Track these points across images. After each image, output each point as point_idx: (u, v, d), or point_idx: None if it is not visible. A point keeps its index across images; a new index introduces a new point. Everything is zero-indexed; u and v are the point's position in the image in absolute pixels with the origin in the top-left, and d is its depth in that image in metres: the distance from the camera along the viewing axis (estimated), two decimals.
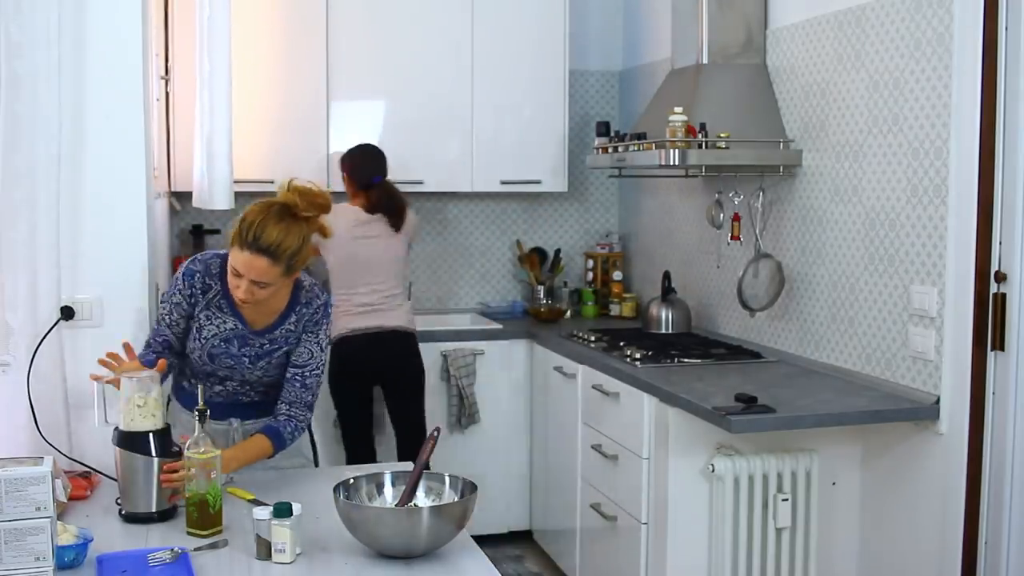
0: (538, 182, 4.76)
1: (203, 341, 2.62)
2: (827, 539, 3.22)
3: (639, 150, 3.79)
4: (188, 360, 2.70)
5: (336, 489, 2.17)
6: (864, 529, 3.25)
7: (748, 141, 3.62)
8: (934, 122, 2.94)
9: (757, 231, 3.72)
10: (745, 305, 3.70)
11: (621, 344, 3.89)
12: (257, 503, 2.37)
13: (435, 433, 2.29)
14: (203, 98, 3.43)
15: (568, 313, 4.89)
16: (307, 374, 2.63)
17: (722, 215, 3.88)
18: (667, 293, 4.29)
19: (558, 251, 5.08)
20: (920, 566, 3.01)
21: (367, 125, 4.57)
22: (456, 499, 2.22)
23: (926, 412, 2.95)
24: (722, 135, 3.57)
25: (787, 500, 3.11)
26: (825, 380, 3.33)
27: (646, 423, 3.31)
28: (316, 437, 2.94)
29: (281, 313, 2.63)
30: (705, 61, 3.79)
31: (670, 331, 4.21)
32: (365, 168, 4.13)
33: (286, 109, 4.45)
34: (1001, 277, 2.80)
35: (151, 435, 2.35)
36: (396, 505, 2.22)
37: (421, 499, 2.24)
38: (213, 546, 2.18)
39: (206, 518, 2.23)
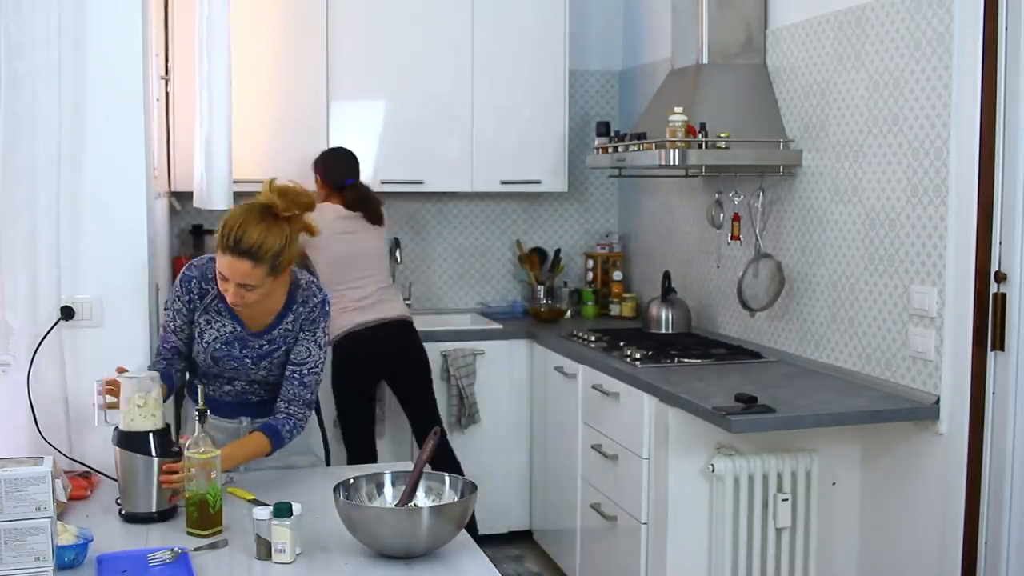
0: (538, 182, 4.76)
1: (205, 345, 2.63)
2: (827, 539, 3.22)
3: (639, 150, 3.79)
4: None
5: (336, 489, 2.17)
6: (864, 529, 3.25)
7: (748, 141, 3.62)
8: (934, 122, 2.94)
9: (757, 231, 3.72)
10: (745, 305, 3.70)
11: (621, 344, 3.89)
12: (257, 503, 2.37)
13: (436, 433, 2.29)
14: (202, 98, 3.43)
15: (568, 313, 4.89)
16: (305, 372, 2.64)
17: (722, 215, 3.88)
18: (667, 293, 4.29)
19: (558, 251, 5.08)
20: (920, 566, 3.01)
21: (367, 125, 4.57)
22: (456, 499, 2.22)
23: (926, 412, 2.95)
24: (722, 135, 3.57)
25: (787, 500, 3.11)
26: (825, 380, 3.33)
27: (646, 423, 3.31)
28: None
29: (278, 313, 2.63)
30: (705, 61, 3.78)
31: (670, 331, 4.21)
32: (338, 170, 4.16)
33: (286, 109, 4.45)
34: (1001, 277, 2.80)
35: (151, 435, 2.36)
36: (396, 505, 2.22)
37: (421, 499, 2.24)
38: (213, 546, 2.18)
39: (206, 518, 2.23)
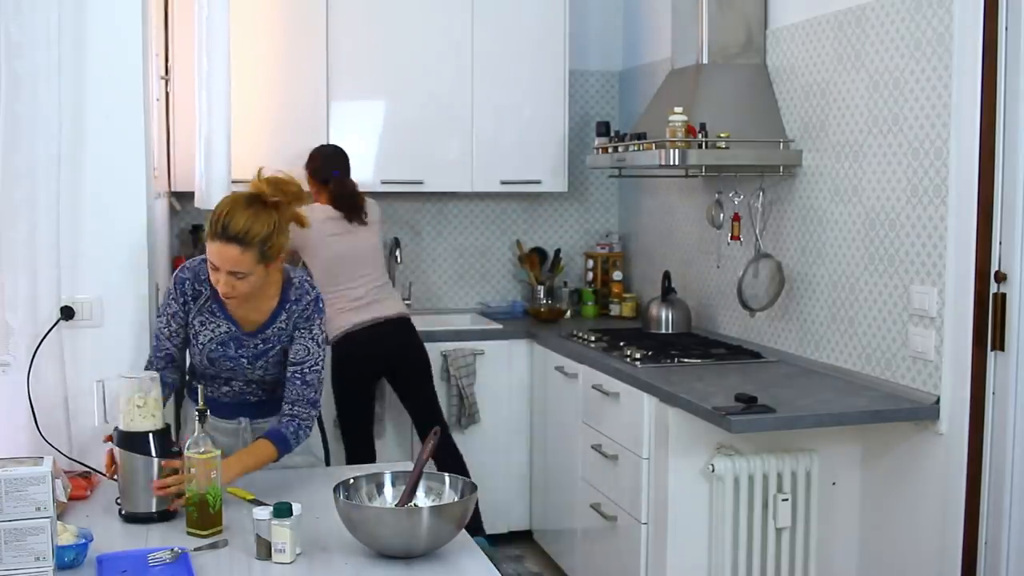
0: (538, 182, 4.76)
1: (201, 346, 2.64)
2: (827, 539, 3.22)
3: (639, 150, 3.79)
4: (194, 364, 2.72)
5: (336, 489, 2.17)
6: (864, 529, 3.25)
7: (748, 141, 3.62)
8: (934, 122, 2.94)
9: (757, 231, 3.72)
10: (745, 305, 3.70)
11: (621, 344, 3.89)
12: (257, 503, 2.37)
13: (436, 433, 2.29)
14: (202, 98, 3.44)
15: (568, 313, 4.89)
16: (306, 371, 2.63)
17: (722, 215, 3.88)
18: (667, 293, 4.29)
19: (558, 251, 5.09)
20: (920, 566, 3.01)
21: (367, 125, 4.57)
22: (456, 499, 2.22)
23: (926, 412, 2.95)
24: (722, 135, 3.57)
25: (787, 500, 3.11)
26: (825, 380, 3.33)
27: (646, 423, 3.31)
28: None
29: (272, 312, 2.63)
30: (705, 61, 3.79)
31: (670, 331, 4.20)
32: (325, 165, 4.16)
33: (286, 109, 4.45)
34: (1001, 277, 2.80)
35: (151, 435, 2.36)
36: (396, 505, 2.22)
37: (421, 499, 2.24)
38: (213, 546, 2.18)
39: (206, 518, 2.23)
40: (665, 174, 4.42)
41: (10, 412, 2.95)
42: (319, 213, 4.03)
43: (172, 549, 2.10)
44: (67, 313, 3.02)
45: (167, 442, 2.38)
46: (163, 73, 4.13)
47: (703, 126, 3.57)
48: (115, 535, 2.24)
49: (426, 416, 4.14)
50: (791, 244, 3.66)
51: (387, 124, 4.59)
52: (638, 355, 3.65)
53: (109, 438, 2.42)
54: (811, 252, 3.54)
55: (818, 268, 3.51)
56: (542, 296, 4.95)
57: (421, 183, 4.61)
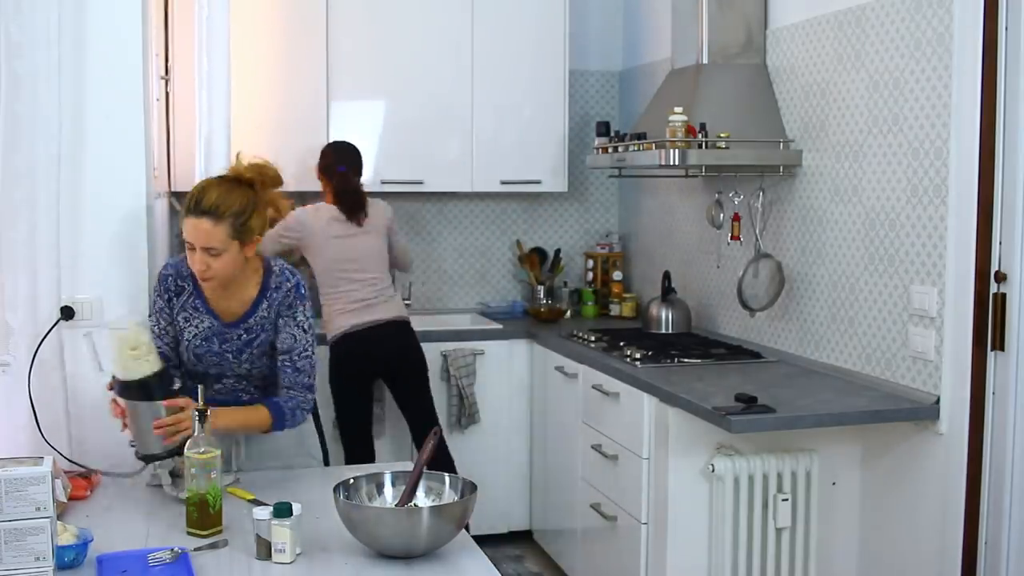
0: (538, 182, 4.76)
1: (186, 343, 2.65)
2: (827, 539, 3.22)
3: (639, 150, 3.79)
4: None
5: (336, 489, 2.17)
6: (864, 529, 3.25)
7: (748, 141, 3.62)
8: (934, 122, 2.94)
9: (757, 231, 3.72)
10: (745, 305, 3.70)
11: (621, 344, 3.89)
12: (257, 503, 2.37)
13: (436, 433, 2.29)
14: (202, 98, 3.44)
15: (568, 313, 4.89)
16: (296, 358, 2.64)
17: (722, 215, 3.88)
18: (667, 293, 4.29)
19: (558, 251, 5.08)
20: (920, 566, 3.01)
21: (367, 125, 4.57)
22: (456, 499, 2.22)
23: (926, 412, 2.95)
24: (722, 135, 3.57)
25: (787, 500, 3.11)
26: (825, 380, 3.33)
27: (646, 423, 3.31)
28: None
29: (253, 301, 2.64)
30: (705, 61, 3.78)
31: (670, 331, 4.21)
32: (335, 159, 4.17)
33: (286, 109, 4.45)
34: (1001, 277, 2.80)
35: (150, 379, 2.41)
36: (396, 505, 2.22)
37: (421, 499, 2.24)
38: (213, 546, 2.18)
39: (206, 518, 2.24)
40: (665, 174, 4.42)
41: (10, 412, 2.96)
42: (324, 213, 4.03)
43: (172, 549, 2.10)
44: (67, 313, 3.02)
45: (167, 381, 2.45)
46: (163, 73, 4.12)
47: (703, 126, 3.57)
48: (115, 535, 2.24)
49: (423, 423, 4.12)
50: (791, 244, 3.66)
51: (387, 124, 4.59)
52: (638, 355, 3.65)
53: (111, 386, 2.47)
54: (811, 252, 3.54)
55: (818, 268, 3.51)
56: (542, 296, 4.95)
57: (421, 183, 4.61)
